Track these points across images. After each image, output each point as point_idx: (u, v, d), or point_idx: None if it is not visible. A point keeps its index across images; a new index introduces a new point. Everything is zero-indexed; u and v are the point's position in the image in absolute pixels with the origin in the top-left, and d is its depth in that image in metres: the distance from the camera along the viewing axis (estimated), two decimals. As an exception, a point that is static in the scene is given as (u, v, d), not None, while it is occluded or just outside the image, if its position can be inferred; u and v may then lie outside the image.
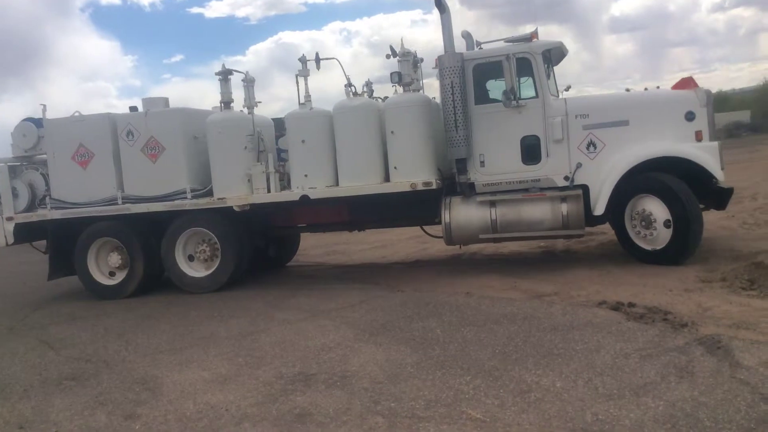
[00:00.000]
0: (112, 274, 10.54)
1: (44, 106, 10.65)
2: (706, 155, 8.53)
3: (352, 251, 12.81)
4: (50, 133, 10.53)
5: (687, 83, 9.22)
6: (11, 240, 10.62)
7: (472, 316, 6.91)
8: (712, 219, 12.09)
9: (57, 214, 10.41)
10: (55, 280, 10.85)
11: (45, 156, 10.81)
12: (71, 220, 10.43)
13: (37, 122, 10.70)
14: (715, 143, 8.73)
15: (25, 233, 10.72)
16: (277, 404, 4.97)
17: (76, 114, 10.67)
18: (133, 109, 10.59)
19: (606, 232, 11.97)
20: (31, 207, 10.70)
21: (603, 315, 6.50)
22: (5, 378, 6.41)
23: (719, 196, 8.91)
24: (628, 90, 10.60)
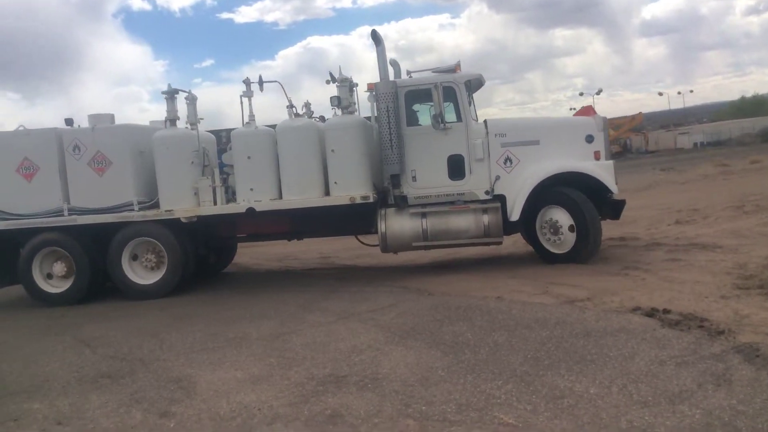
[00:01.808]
0: (57, 282, 10.73)
1: None
2: (603, 172, 9.91)
3: (382, 255, 12.80)
4: None
5: (588, 111, 11.07)
6: None
7: (503, 321, 6.88)
8: (748, 225, 11.88)
9: (0, 225, 10.61)
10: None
11: None
12: (13, 231, 10.64)
13: None
14: (611, 162, 10.27)
15: None
16: (309, 405, 5.00)
17: (21, 128, 10.91)
18: (69, 121, 10.90)
19: (639, 237, 11.85)
20: None
21: (637, 321, 6.42)
22: (44, 375, 6.55)
23: (614, 208, 10.17)
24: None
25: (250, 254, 14.84)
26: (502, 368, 5.40)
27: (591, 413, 4.36)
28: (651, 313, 6.61)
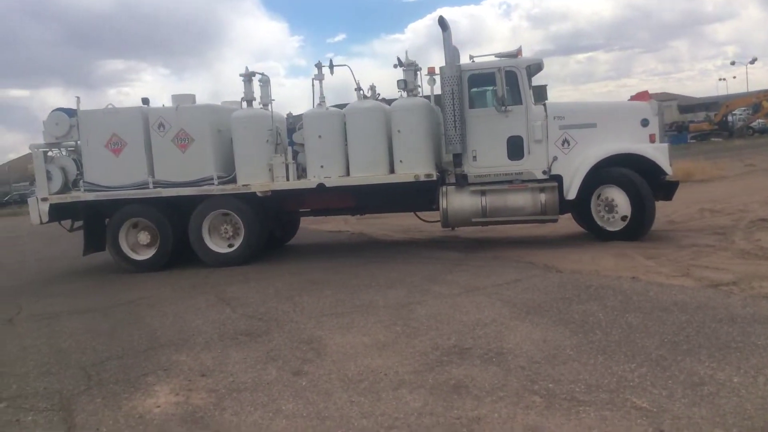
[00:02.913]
0: (141, 250, 11.56)
1: (78, 98, 11.69)
2: (659, 154, 10.22)
3: (509, 229, 12.62)
4: (85, 122, 11.50)
5: (643, 96, 11.06)
6: (45, 219, 11.69)
7: (638, 302, 6.56)
8: None
9: (90, 196, 11.43)
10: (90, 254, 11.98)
11: (72, 143, 11.87)
12: (103, 201, 11.43)
13: (69, 112, 11.67)
14: (666, 144, 10.55)
15: (56, 213, 11.77)
16: (434, 374, 5.06)
17: (110, 106, 11.63)
18: (145, 101, 11.70)
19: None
20: (63, 189, 11.71)
21: (791, 310, 5.88)
22: (190, 330, 7.10)
23: (667, 189, 10.50)
24: None
25: (377, 225, 15.18)
26: (636, 351, 5.17)
27: (734, 403, 4.08)
28: (808, 301, 6.04)
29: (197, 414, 4.67)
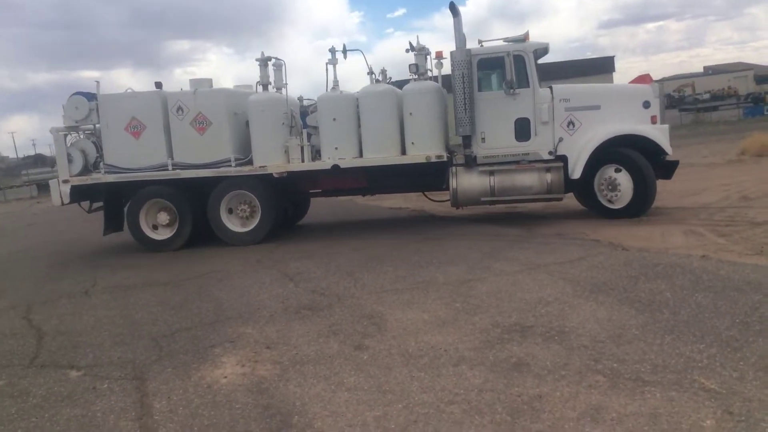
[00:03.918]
0: (160, 230, 11.85)
1: (98, 82, 11.90)
2: (660, 134, 10.63)
3: (571, 204, 12.36)
4: (105, 106, 11.73)
5: (644, 79, 11.44)
6: (66, 200, 11.97)
7: (709, 281, 6.33)
8: None
9: (111, 178, 11.70)
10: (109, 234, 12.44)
11: (91, 126, 12.10)
12: (123, 183, 11.70)
13: (88, 96, 11.87)
14: (666, 125, 10.85)
15: (77, 194, 12.07)
16: (494, 351, 5.05)
17: (129, 90, 11.83)
18: (158, 84, 11.87)
19: None
20: (84, 171, 11.96)
21: None
22: (255, 304, 7.30)
23: (667, 168, 10.90)
24: None
25: (437, 203, 15.08)
26: (706, 331, 5.00)
27: (811, 388, 3.91)
28: None
29: (263, 385, 4.82)
